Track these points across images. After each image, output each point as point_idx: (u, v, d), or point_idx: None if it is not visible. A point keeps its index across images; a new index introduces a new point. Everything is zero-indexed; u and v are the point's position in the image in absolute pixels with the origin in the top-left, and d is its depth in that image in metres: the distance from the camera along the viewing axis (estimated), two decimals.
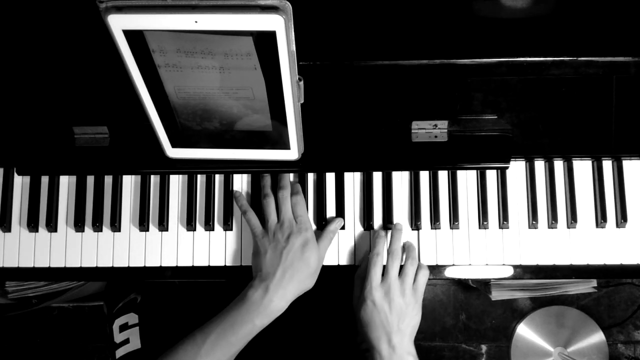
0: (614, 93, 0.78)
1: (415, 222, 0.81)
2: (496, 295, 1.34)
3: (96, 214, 0.82)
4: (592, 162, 0.83)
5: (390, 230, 0.81)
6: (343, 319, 0.93)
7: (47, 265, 0.82)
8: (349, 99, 0.78)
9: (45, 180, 0.83)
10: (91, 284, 1.18)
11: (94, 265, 0.82)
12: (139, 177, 0.83)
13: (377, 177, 0.83)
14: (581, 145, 0.80)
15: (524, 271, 0.81)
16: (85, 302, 1.38)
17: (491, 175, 0.83)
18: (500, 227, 0.81)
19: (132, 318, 0.86)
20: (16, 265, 0.82)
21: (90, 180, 0.83)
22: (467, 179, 0.82)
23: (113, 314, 0.88)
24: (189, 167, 0.81)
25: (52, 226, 0.82)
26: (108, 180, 0.83)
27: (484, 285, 1.39)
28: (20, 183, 0.84)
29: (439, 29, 0.77)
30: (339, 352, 0.92)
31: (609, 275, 0.82)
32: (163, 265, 0.82)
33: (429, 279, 0.79)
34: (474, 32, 0.77)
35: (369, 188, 0.82)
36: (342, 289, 0.93)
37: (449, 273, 0.81)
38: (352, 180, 0.83)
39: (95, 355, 1.57)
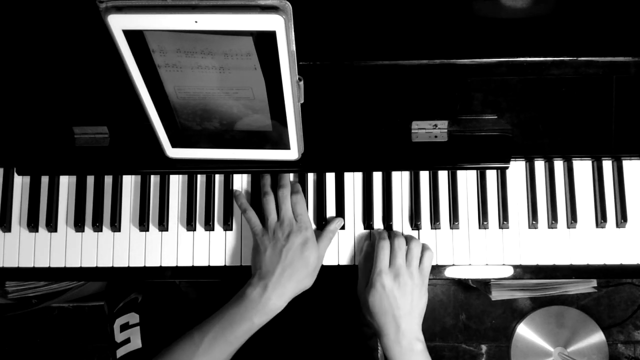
0: (614, 93, 0.78)
1: (415, 222, 0.81)
2: (496, 295, 1.34)
3: (96, 214, 0.82)
4: (592, 162, 0.83)
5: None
6: (343, 319, 0.93)
7: (47, 265, 0.82)
8: (349, 99, 0.78)
9: (45, 180, 0.83)
10: (91, 284, 1.18)
11: (94, 265, 0.82)
12: (139, 177, 0.83)
13: (377, 177, 0.83)
14: (581, 145, 0.80)
15: (524, 271, 0.81)
16: (85, 302, 1.38)
17: (491, 175, 0.83)
18: (500, 227, 0.81)
19: (133, 318, 0.86)
20: (16, 265, 0.82)
21: (90, 180, 0.83)
22: (467, 179, 0.82)
23: (114, 313, 0.88)
24: (189, 167, 0.81)
25: (52, 226, 0.82)
26: (108, 180, 0.83)
27: (484, 285, 1.39)
28: (20, 183, 0.84)
29: (439, 29, 0.77)
30: (339, 351, 0.92)
31: (609, 275, 0.82)
32: (163, 265, 0.82)
33: (429, 279, 0.79)
34: (474, 32, 0.77)
35: (369, 188, 0.82)
36: (342, 289, 0.93)
37: (449, 273, 0.81)
38: (352, 180, 0.83)
39: (96, 355, 1.57)
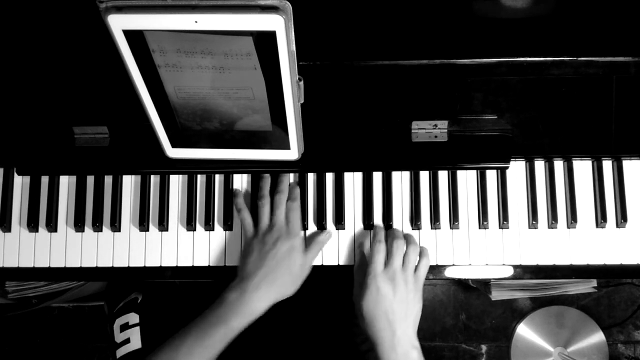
0: (614, 93, 0.78)
1: (415, 222, 0.81)
2: (496, 295, 1.34)
3: (96, 214, 0.82)
4: (592, 162, 0.83)
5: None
6: (343, 319, 0.93)
7: (47, 265, 0.82)
8: (349, 99, 0.78)
9: (45, 180, 0.83)
10: (91, 284, 1.18)
11: (94, 265, 0.82)
12: (139, 177, 0.83)
13: (377, 177, 0.83)
14: (581, 145, 0.80)
15: (524, 271, 0.81)
16: (85, 302, 1.38)
17: (491, 175, 0.83)
18: (500, 227, 0.81)
19: (133, 318, 0.86)
20: (16, 265, 0.82)
21: (90, 180, 0.83)
22: (467, 179, 0.82)
23: (114, 313, 0.88)
24: (189, 167, 0.81)
25: (52, 226, 0.82)
26: (108, 180, 0.83)
27: (484, 285, 1.39)
28: (20, 183, 0.84)
29: (439, 29, 0.77)
30: (339, 352, 0.92)
31: (609, 275, 0.82)
32: (163, 265, 0.82)
33: (429, 279, 0.79)
34: (474, 32, 0.77)
35: (369, 188, 0.82)
36: (342, 289, 0.93)
37: (449, 273, 0.81)
38: (352, 180, 0.83)
39: (96, 355, 1.57)
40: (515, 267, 0.81)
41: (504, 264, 0.81)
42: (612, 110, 0.79)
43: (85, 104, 0.79)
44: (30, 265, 0.82)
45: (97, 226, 0.82)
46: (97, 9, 0.56)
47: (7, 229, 0.83)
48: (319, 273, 0.81)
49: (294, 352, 0.91)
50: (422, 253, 0.79)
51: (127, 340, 0.84)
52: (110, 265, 0.82)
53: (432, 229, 0.82)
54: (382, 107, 0.79)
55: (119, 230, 0.82)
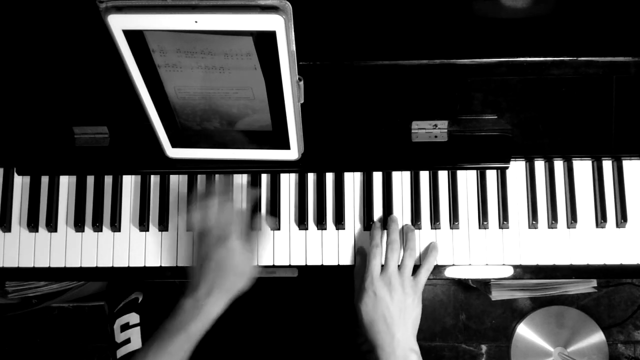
0: (614, 93, 0.78)
1: (415, 222, 0.81)
2: (496, 295, 1.34)
3: (96, 214, 0.82)
4: (592, 162, 0.83)
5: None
6: (344, 319, 0.93)
7: (47, 265, 0.82)
8: (349, 99, 0.78)
9: (45, 180, 0.83)
10: (91, 284, 1.18)
11: (94, 265, 0.82)
12: (139, 177, 0.83)
13: (377, 177, 0.83)
14: (581, 145, 0.80)
15: (524, 271, 0.81)
16: (85, 302, 1.38)
17: (491, 175, 0.83)
18: (500, 227, 0.81)
19: (133, 318, 0.86)
20: (16, 265, 0.82)
21: (90, 180, 0.83)
22: (467, 179, 0.82)
23: (114, 313, 0.88)
24: (189, 167, 0.81)
25: (52, 226, 0.82)
26: (108, 180, 0.83)
27: (484, 285, 1.39)
28: (20, 183, 0.84)
29: (439, 29, 0.77)
30: (340, 352, 0.92)
31: (609, 275, 0.82)
32: (163, 265, 0.82)
33: (429, 279, 0.79)
34: (474, 32, 0.77)
35: (369, 188, 0.82)
36: (343, 289, 0.93)
37: (449, 273, 0.81)
38: (352, 180, 0.83)
39: (96, 355, 1.57)
40: (515, 267, 0.81)
41: (504, 264, 0.81)
42: (612, 110, 0.79)
43: (85, 104, 0.79)
44: (30, 265, 0.82)
45: (97, 226, 0.82)
46: (97, 9, 0.56)
47: (7, 229, 0.83)
48: (319, 273, 0.81)
49: (295, 351, 0.91)
50: (426, 261, 0.78)
51: (128, 341, 0.84)
52: (110, 265, 0.82)
53: (432, 229, 0.82)
54: (382, 107, 0.79)
55: (119, 230, 0.82)
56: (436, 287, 1.59)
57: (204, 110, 0.70)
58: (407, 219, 0.82)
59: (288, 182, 0.83)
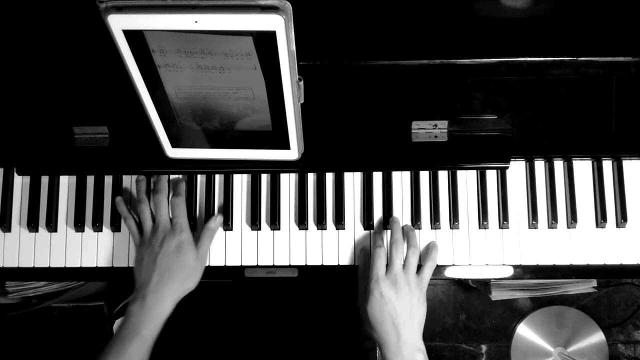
0: (614, 93, 0.78)
1: (415, 222, 0.81)
2: (496, 295, 1.34)
3: (96, 214, 0.82)
4: (592, 162, 0.83)
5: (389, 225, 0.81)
6: (344, 319, 0.93)
7: (47, 265, 0.82)
8: (349, 99, 0.78)
9: (45, 180, 0.83)
10: (91, 284, 1.18)
11: (94, 265, 0.82)
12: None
13: (377, 177, 0.83)
14: (581, 145, 0.80)
15: (524, 271, 0.81)
16: (85, 302, 1.38)
17: (491, 175, 0.83)
18: (500, 227, 0.81)
19: None
20: (16, 265, 0.82)
21: (90, 180, 0.83)
22: (467, 179, 0.82)
23: (114, 314, 0.88)
24: (189, 167, 0.81)
25: (52, 226, 0.82)
26: (108, 180, 0.83)
27: (484, 285, 1.39)
28: (20, 183, 0.84)
29: (439, 29, 0.77)
30: (340, 352, 0.92)
31: (609, 275, 0.82)
32: None
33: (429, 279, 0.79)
34: (474, 32, 0.77)
35: (369, 188, 0.82)
36: (343, 289, 0.93)
37: (449, 273, 0.81)
38: (352, 180, 0.83)
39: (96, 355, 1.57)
40: (515, 267, 0.81)
41: (504, 264, 0.81)
42: (612, 110, 0.79)
43: (85, 104, 0.79)
44: (30, 265, 0.82)
45: (97, 226, 0.82)
46: (97, 9, 0.56)
47: (7, 229, 0.83)
48: (319, 273, 0.81)
49: (295, 351, 0.91)
50: (429, 257, 0.78)
51: None
52: (110, 265, 0.82)
53: (432, 229, 0.82)
54: (382, 107, 0.79)
55: (118, 230, 0.82)
56: (436, 287, 1.59)
57: (204, 110, 0.70)
58: (407, 219, 0.82)
59: (288, 182, 0.83)
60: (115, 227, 0.82)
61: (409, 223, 0.82)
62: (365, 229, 0.82)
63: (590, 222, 0.81)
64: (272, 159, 0.78)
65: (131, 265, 0.82)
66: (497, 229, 0.82)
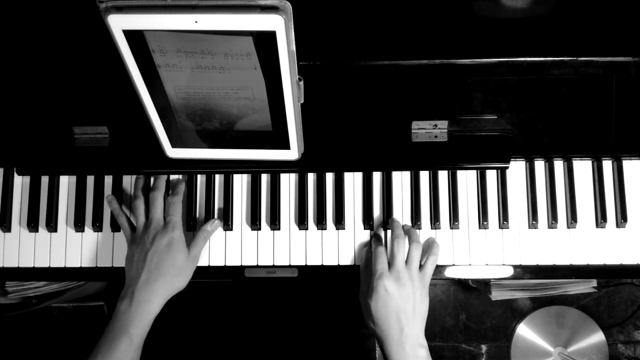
0: (614, 93, 0.78)
1: (415, 222, 0.81)
2: (496, 295, 1.34)
3: (96, 214, 0.82)
4: (592, 162, 0.83)
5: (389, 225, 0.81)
6: (344, 319, 0.93)
7: (47, 265, 0.82)
8: (349, 99, 0.78)
9: (45, 180, 0.83)
10: (91, 284, 1.18)
11: (94, 265, 0.82)
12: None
13: (377, 177, 0.83)
14: (581, 145, 0.80)
15: (524, 271, 0.81)
16: (85, 302, 1.38)
17: (491, 175, 0.83)
18: (500, 227, 0.81)
19: None
20: (16, 265, 0.82)
21: (90, 180, 0.83)
22: (467, 179, 0.82)
23: None
24: (189, 167, 0.81)
25: (52, 226, 0.82)
26: (108, 180, 0.83)
27: (484, 285, 1.39)
28: (20, 183, 0.84)
29: (439, 29, 0.77)
30: (340, 352, 0.92)
31: (609, 275, 0.82)
32: None
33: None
34: (474, 32, 0.77)
35: (369, 188, 0.82)
36: (343, 289, 0.93)
37: (449, 273, 0.81)
38: (352, 180, 0.83)
39: None
40: (515, 267, 0.81)
41: (504, 264, 0.81)
42: (612, 110, 0.79)
43: (85, 104, 0.79)
44: (30, 265, 0.82)
45: (97, 226, 0.82)
46: (97, 9, 0.56)
47: (7, 229, 0.83)
48: (319, 273, 0.81)
49: (295, 351, 0.91)
50: (431, 252, 0.78)
51: None
52: (110, 265, 0.82)
53: (432, 229, 0.82)
54: (382, 107, 0.79)
55: (118, 230, 0.82)
56: (436, 287, 1.59)
57: (204, 110, 0.70)
58: (407, 219, 0.82)
59: (288, 182, 0.83)
60: (115, 227, 0.82)
61: (409, 223, 0.82)
62: (365, 229, 0.82)
63: (590, 222, 0.81)
64: (272, 159, 0.78)
65: None
66: (497, 229, 0.82)
